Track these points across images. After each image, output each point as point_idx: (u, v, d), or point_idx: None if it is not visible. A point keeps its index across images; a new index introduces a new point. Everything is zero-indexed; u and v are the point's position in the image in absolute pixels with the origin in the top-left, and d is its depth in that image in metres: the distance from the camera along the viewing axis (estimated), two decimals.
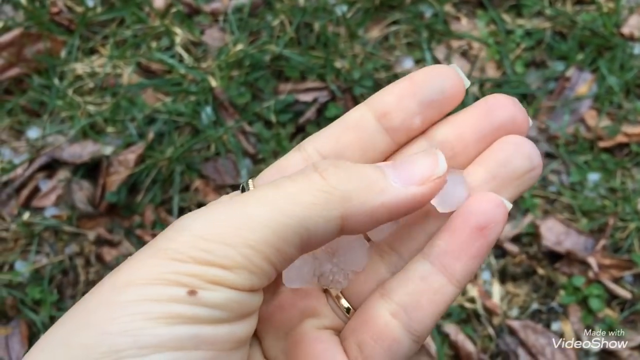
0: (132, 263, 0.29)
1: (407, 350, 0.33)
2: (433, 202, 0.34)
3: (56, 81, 1.12)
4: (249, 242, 0.28)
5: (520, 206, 1.04)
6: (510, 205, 0.33)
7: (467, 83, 0.36)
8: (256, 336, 0.36)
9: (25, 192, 1.02)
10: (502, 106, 0.35)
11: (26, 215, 1.01)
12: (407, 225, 0.35)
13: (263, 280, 0.29)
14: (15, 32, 1.12)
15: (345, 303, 0.36)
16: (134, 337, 0.26)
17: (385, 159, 0.37)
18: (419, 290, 0.33)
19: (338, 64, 1.15)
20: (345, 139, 0.36)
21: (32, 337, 0.93)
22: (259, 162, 1.07)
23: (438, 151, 0.32)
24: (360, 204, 0.30)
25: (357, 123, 0.36)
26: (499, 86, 1.15)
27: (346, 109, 1.10)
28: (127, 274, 0.28)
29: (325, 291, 0.37)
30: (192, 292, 0.27)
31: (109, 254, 0.99)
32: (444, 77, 0.35)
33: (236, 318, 0.29)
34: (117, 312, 0.27)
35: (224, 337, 0.28)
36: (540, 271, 1.00)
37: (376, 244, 0.36)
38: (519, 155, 0.33)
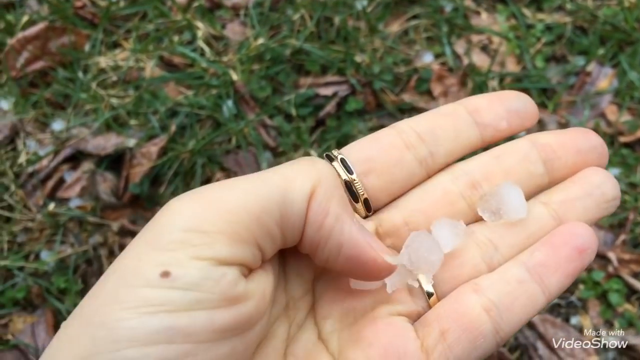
0: (129, 246, 0.30)
1: (489, 349, 0.34)
2: (405, 262, 0.35)
3: (80, 74, 1.14)
4: (231, 207, 0.29)
5: None
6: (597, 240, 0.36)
7: (538, 113, 0.40)
8: (314, 316, 0.36)
9: (50, 183, 1.04)
10: (594, 135, 0.39)
11: (51, 206, 1.03)
12: (510, 225, 0.37)
13: (245, 254, 0.29)
14: (40, 26, 1.14)
15: (429, 288, 0.36)
16: (109, 330, 0.26)
17: (472, 152, 0.40)
18: (514, 293, 0.34)
19: (358, 58, 1.15)
20: (440, 122, 0.39)
21: (57, 325, 0.95)
22: (280, 155, 1.08)
23: (394, 255, 0.34)
24: (328, 187, 0.32)
25: (452, 112, 0.39)
26: (519, 80, 1.15)
27: (366, 103, 1.11)
28: (120, 258, 0.29)
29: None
30: (164, 274, 0.27)
31: None
32: (525, 99, 0.40)
33: (219, 302, 0.28)
34: (101, 300, 0.27)
35: (203, 327, 0.27)
36: None
37: (480, 240, 0.37)
38: (609, 183, 0.37)
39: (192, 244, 0.28)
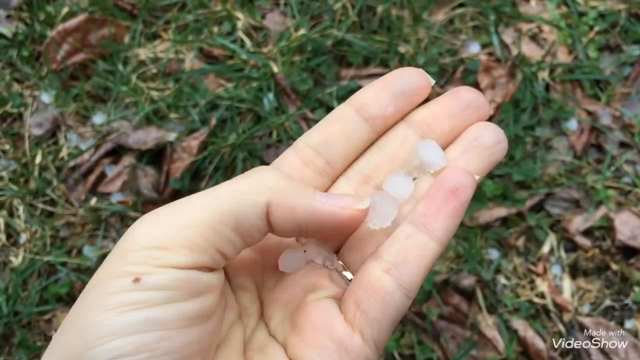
0: (101, 266, 0.34)
1: (399, 303, 0.37)
2: (367, 221, 0.40)
3: (120, 67, 1.13)
4: (185, 223, 0.33)
5: (592, 198, 1.00)
6: (477, 176, 0.39)
7: (432, 81, 0.42)
8: (263, 319, 0.41)
9: (92, 178, 1.04)
10: (466, 91, 0.42)
11: (93, 201, 1.02)
12: (404, 201, 0.41)
13: (205, 259, 0.34)
14: (80, 18, 1.13)
15: (349, 275, 0.40)
16: (96, 329, 0.31)
17: (368, 147, 0.43)
18: (405, 248, 0.38)
19: (402, 48, 1.12)
20: (331, 130, 0.42)
21: None
22: None
23: (364, 198, 0.38)
24: (283, 196, 0.36)
25: (340, 116, 0.42)
26: (570, 71, 1.10)
27: None
28: (95, 276, 0.33)
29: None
30: (136, 280, 0.32)
31: None
32: (412, 74, 0.42)
33: (184, 297, 0.33)
34: (86, 310, 0.32)
35: (173, 316, 0.32)
36: (614, 266, 0.96)
37: None
38: (487, 132, 0.40)
39: (155, 257, 0.33)
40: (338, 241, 0.42)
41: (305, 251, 0.41)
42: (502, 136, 0.41)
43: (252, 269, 0.41)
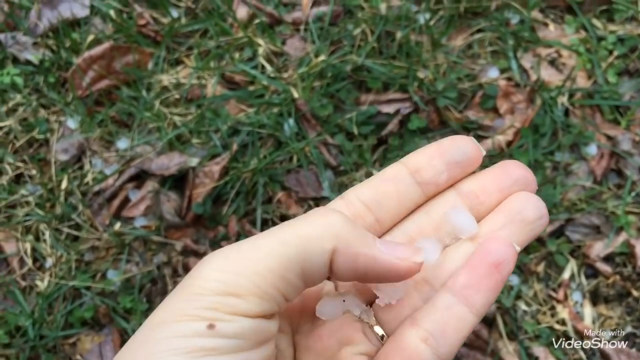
0: (166, 302, 0.34)
1: None
2: (377, 294, 0.40)
3: (144, 93, 1.15)
4: (256, 270, 0.34)
5: (613, 224, 1.00)
6: (518, 248, 0.40)
7: (484, 152, 0.43)
8: None
9: (116, 202, 1.06)
10: (516, 167, 0.42)
11: (117, 225, 1.04)
12: (446, 267, 0.41)
13: (273, 306, 0.34)
14: (105, 45, 1.16)
15: (379, 330, 0.41)
16: None
17: (416, 208, 0.44)
18: (445, 319, 0.38)
19: (421, 74, 1.13)
20: (384, 189, 0.43)
21: (124, 345, 0.97)
22: (341, 174, 1.07)
23: (427, 248, 0.39)
24: (348, 244, 0.36)
25: (394, 176, 0.43)
26: (590, 96, 1.10)
27: (429, 120, 1.08)
28: (160, 314, 0.33)
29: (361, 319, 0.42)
30: (211, 326, 0.32)
31: (195, 264, 1.00)
32: (467, 144, 0.43)
33: (253, 346, 0.33)
34: (152, 349, 0.32)
35: None
36: (635, 293, 0.96)
37: (417, 281, 0.41)
38: (530, 206, 0.41)
39: (229, 304, 0.33)
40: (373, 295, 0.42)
41: (344, 300, 0.41)
42: (544, 211, 0.41)
43: (291, 312, 0.42)
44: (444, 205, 0.43)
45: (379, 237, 0.43)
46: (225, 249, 0.35)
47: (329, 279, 0.41)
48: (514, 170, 0.42)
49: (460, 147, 0.42)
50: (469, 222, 0.41)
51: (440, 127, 1.10)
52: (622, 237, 0.99)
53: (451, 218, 0.41)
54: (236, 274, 0.34)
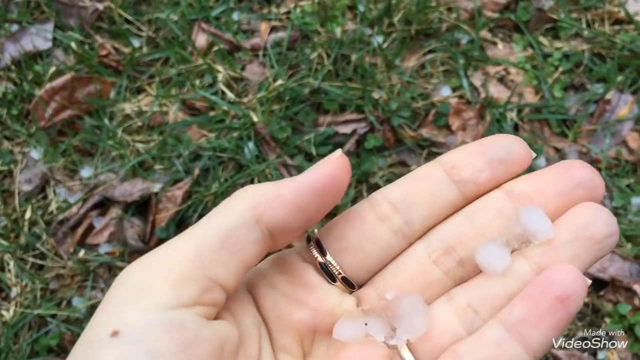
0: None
1: None
2: (395, 327, 0.35)
3: (106, 121, 1.18)
4: (167, 256, 0.32)
5: None
6: (589, 282, 0.33)
7: (534, 154, 0.38)
8: None
9: (80, 230, 1.07)
10: (580, 167, 0.36)
11: (82, 253, 1.06)
12: (487, 284, 0.36)
13: (193, 291, 0.31)
14: (67, 77, 1.18)
15: (409, 358, 0.35)
16: None
17: (453, 213, 0.38)
18: (493, 357, 0.32)
19: (376, 94, 1.17)
20: (414, 188, 0.38)
21: None
22: None
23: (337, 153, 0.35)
24: (264, 193, 0.33)
25: (427, 174, 0.38)
26: (537, 111, 1.15)
27: (385, 139, 1.12)
28: (82, 336, 0.31)
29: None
30: (114, 333, 0.29)
31: None
32: (512, 141, 0.37)
33: (166, 350, 0.30)
34: None
35: None
36: (586, 299, 0.99)
37: (459, 305, 0.36)
38: (599, 221, 0.34)
39: (136, 299, 0.30)
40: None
41: (366, 324, 0.36)
42: (615, 227, 0.35)
43: (301, 330, 0.37)
44: (489, 208, 0.37)
45: (409, 241, 0.38)
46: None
47: (353, 287, 0.38)
48: (577, 171, 0.36)
49: (504, 144, 0.37)
50: (546, 223, 0.35)
51: (395, 145, 1.14)
52: None
53: (523, 217, 0.35)
54: (143, 266, 0.32)
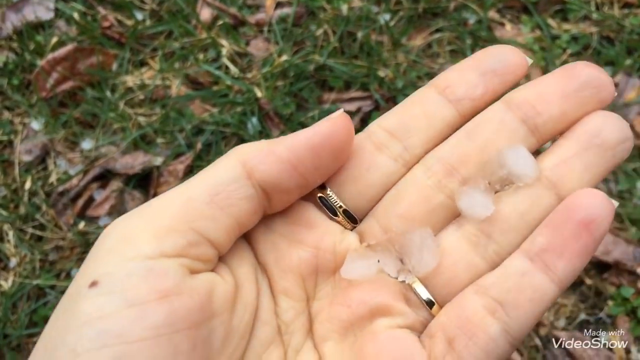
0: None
1: (502, 353, 0.31)
2: (389, 271, 0.34)
3: (108, 94, 1.16)
4: (152, 208, 0.30)
5: None
6: (616, 203, 0.32)
7: (530, 60, 0.36)
8: (312, 338, 0.35)
9: (80, 202, 1.06)
10: (585, 66, 0.34)
11: (82, 225, 1.05)
12: (507, 213, 0.33)
13: (178, 242, 0.29)
14: (69, 47, 1.17)
15: (425, 294, 0.34)
16: (54, 350, 0.27)
17: (452, 132, 0.37)
18: (518, 288, 0.31)
19: (381, 72, 1.16)
20: (410, 113, 0.36)
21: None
22: None
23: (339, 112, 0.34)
24: (255, 149, 0.32)
25: (421, 98, 0.37)
26: None
27: None
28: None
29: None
30: (93, 284, 0.28)
31: None
32: (505, 51, 0.36)
33: (144, 298, 0.28)
34: (51, 327, 0.29)
35: (132, 324, 0.27)
36: (588, 281, 0.99)
37: (470, 232, 0.34)
38: (610, 126, 0.32)
39: (117, 250, 0.29)
40: None
41: (378, 261, 0.34)
42: (628, 132, 0.33)
43: (302, 271, 0.35)
44: (490, 122, 0.35)
45: (410, 167, 0.36)
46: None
47: (356, 222, 0.36)
48: (582, 70, 0.34)
49: (495, 55, 0.35)
50: (531, 166, 0.33)
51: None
52: None
53: (508, 160, 0.33)
54: (129, 218, 0.31)
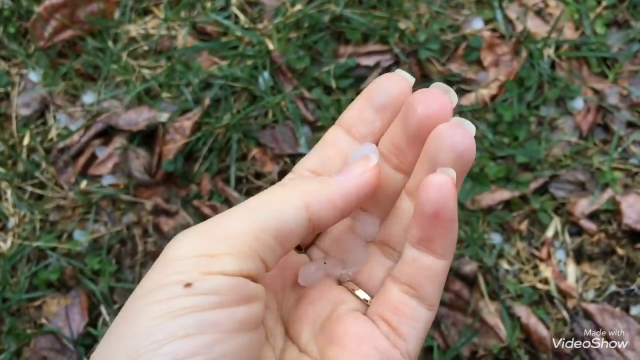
0: (144, 278, 0.34)
1: (427, 316, 0.39)
2: (331, 272, 0.42)
3: (110, 44, 1.09)
4: (231, 233, 0.35)
5: (598, 180, 0.97)
6: (453, 175, 0.36)
7: (412, 80, 0.42)
8: (289, 337, 0.42)
9: (82, 160, 1.00)
10: (419, 102, 0.38)
11: (84, 184, 0.99)
12: (390, 224, 0.42)
13: (249, 266, 0.35)
14: None
15: (361, 294, 0.42)
16: (148, 335, 0.31)
17: None
18: (416, 271, 0.38)
19: (402, 24, 1.08)
20: (327, 154, 0.43)
21: (91, 308, 0.93)
22: (318, 130, 1.02)
23: (369, 153, 0.40)
24: (317, 194, 0.38)
25: (333, 139, 0.43)
26: (577, 48, 1.06)
27: (411, 73, 1.03)
28: (139, 288, 0.34)
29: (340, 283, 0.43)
30: (187, 285, 0.32)
31: (166, 224, 0.96)
32: (389, 83, 0.41)
33: (234, 302, 0.33)
34: (133, 319, 0.32)
35: (225, 320, 0.33)
36: (620, 251, 0.93)
37: (376, 244, 0.43)
38: (444, 150, 0.37)
39: (204, 264, 0.33)
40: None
41: (325, 263, 0.42)
42: (462, 146, 0.37)
43: (273, 287, 0.42)
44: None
45: None
46: (198, 225, 0.37)
47: (302, 249, 0.44)
48: (418, 106, 0.38)
49: (381, 89, 0.41)
50: (362, 253, 0.42)
51: (422, 81, 1.05)
52: (608, 193, 0.96)
53: (347, 245, 0.43)
54: (208, 238, 0.35)
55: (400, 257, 0.40)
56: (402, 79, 0.41)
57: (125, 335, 0.32)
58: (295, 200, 0.37)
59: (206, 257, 0.33)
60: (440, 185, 0.36)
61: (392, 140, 0.41)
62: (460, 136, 0.36)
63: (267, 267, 0.37)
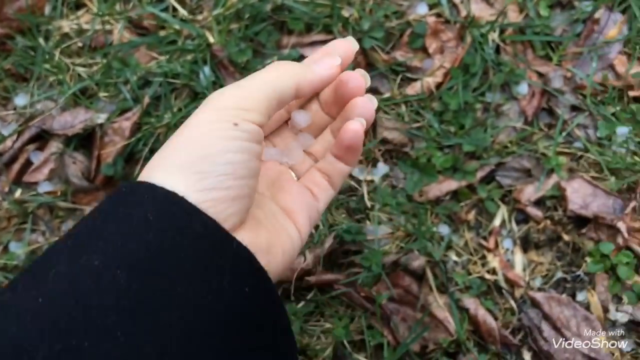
0: (198, 112, 0.46)
1: (332, 193, 0.56)
2: (279, 158, 0.56)
3: (41, 41, 1.04)
4: (256, 95, 0.46)
5: (544, 166, 0.97)
6: (364, 122, 0.52)
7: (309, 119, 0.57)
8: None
9: (16, 167, 0.96)
10: (348, 80, 0.53)
11: (18, 192, 0.95)
12: (317, 143, 0.57)
13: (265, 119, 0.47)
14: None
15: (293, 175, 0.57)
16: (215, 146, 0.43)
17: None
18: (332, 168, 0.55)
19: (345, 12, 1.05)
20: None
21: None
22: None
23: (335, 56, 0.53)
24: (303, 77, 0.50)
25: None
26: (521, 31, 1.05)
27: (355, 63, 1.01)
28: (196, 118, 0.45)
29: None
30: (235, 124, 0.44)
31: None
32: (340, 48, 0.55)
33: (255, 141, 0.45)
34: (199, 134, 0.44)
35: (253, 149, 0.45)
36: (565, 237, 0.94)
37: (307, 152, 0.57)
38: (357, 113, 0.53)
39: (242, 114, 0.45)
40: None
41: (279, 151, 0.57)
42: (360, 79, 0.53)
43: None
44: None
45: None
46: (230, 85, 0.48)
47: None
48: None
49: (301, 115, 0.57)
50: (304, 116, 0.56)
51: (367, 70, 1.03)
52: (553, 179, 0.96)
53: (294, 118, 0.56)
54: (242, 97, 0.46)
55: (317, 162, 0.56)
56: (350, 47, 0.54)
57: (191, 139, 0.43)
58: (291, 78, 0.49)
59: (242, 110, 0.45)
60: (355, 129, 0.51)
61: (325, 95, 0.56)
62: (369, 106, 0.52)
63: (269, 119, 0.49)
